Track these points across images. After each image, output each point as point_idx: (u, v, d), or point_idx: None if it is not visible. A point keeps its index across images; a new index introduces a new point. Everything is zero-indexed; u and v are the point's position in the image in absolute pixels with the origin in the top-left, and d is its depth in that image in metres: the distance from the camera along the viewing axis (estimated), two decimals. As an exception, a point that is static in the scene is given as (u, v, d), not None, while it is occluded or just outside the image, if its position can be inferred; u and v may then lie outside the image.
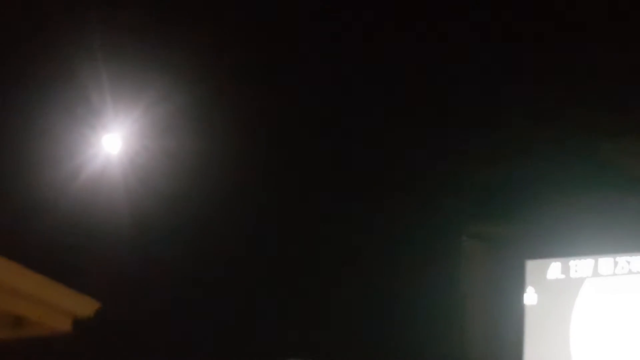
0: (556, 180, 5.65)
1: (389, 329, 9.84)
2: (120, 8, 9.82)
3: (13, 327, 8.10)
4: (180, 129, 12.84)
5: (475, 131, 7.72)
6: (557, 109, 6.61)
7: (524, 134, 6.78)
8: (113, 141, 11.11)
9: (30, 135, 11.25)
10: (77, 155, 11.21)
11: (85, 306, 7.97)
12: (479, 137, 7.53)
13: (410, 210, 8.90)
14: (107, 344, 10.96)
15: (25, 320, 8.01)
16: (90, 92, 10.92)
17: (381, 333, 10.47)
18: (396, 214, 9.24)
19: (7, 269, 7.21)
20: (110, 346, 11.22)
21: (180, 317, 13.37)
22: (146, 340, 12.08)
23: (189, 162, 13.51)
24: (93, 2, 9.59)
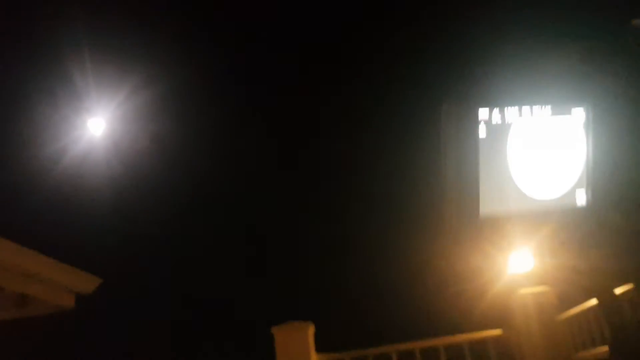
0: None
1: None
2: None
3: (18, 306, 8.38)
4: (162, 113, 13.14)
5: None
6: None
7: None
8: (97, 124, 11.35)
9: (16, 118, 11.39)
10: (62, 137, 11.42)
11: (86, 282, 8.30)
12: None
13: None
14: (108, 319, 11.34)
15: (29, 298, 8.30)
16: (75, 76, 11.11)
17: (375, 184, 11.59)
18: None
19: (9, 249, 7.49)
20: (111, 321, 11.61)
21: (168, 291, 13.84)
22: (143, 315, 12.51)
23: (170, 145, 13.84)
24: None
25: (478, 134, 2.29)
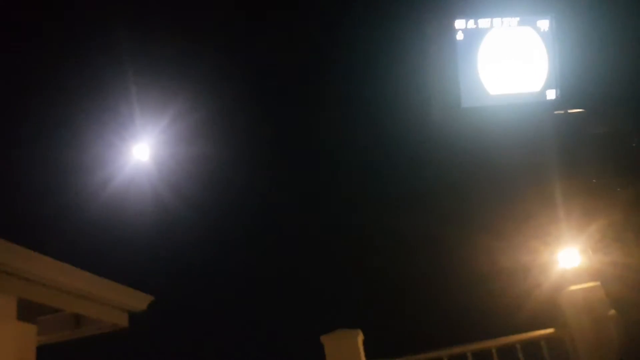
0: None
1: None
2: (148, 22, 10.38)
3: (73, 327, 8.63)
4: (205, 137, 13.43)
5: None
6: None
7: None
8: (142, 150, 11.70)
9: (65, 146, 11.82)
10: (109, 163, 11.80)
11: (139, 301, 8.50)
12: None
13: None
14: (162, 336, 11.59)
15: (84, 319, 8.54)
16: (120, 104, 11.50)
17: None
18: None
19: (62, 270, 7.74)
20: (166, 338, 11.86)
21: (218, 306, 14.06)
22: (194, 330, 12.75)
23: (213, 168, 14.12)
24: (122, 16, 10.15)
25: (456, 38, 2.73)
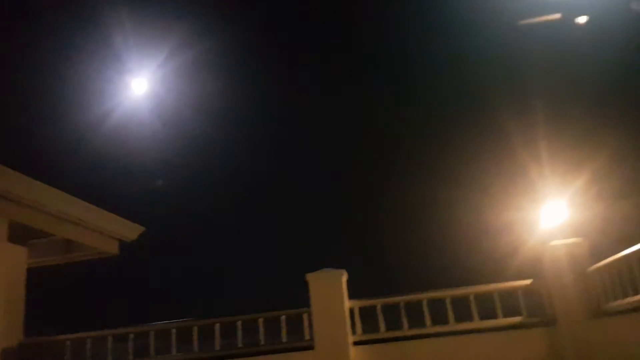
0: None
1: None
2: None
3: (65, 252, 8.93)
4: (202, 73, 13.43)
5: None
6: None
7: None
8: (140, 84, 11.73)
9: (61, 81, 11.89)
10: (107, 97, 11.87)
11: (131, 230, 8.76)
12: None
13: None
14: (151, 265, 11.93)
15: (75, 244, 8.82)
16: (116, 38, 11.48)
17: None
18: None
19: (57, 197, 7.97)
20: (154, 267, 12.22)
21: (210, 240, 14.38)
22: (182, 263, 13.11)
23: (211, 104, 14.17)
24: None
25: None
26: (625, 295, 7.67)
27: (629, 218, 7.36)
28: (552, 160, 8.96)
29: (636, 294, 7.33)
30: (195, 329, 9.08)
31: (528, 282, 8.97)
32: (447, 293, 9.02)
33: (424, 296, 9.05)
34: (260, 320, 9.09)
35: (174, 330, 9.03)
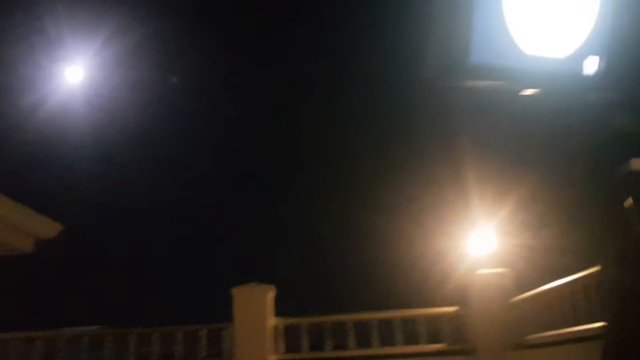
0: None
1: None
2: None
3: (-24, 247, 8.28)
4: (140, 60, 12.91)
5: None
6: None
7: None
8: (75, 72, 11.19)
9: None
10: (40, 86, 11.24)
11: (48, 228, 8.22)
12: None
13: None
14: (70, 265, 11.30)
15: (-13, 239, 8.21)
16: (48, 23, 10.86)
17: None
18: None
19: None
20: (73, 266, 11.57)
21: (141, 240, 13.76)
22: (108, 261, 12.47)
23: (149, 91, 13.65)
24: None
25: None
26: (546, 329, 7.79)
27: (551, 248, 7.44)
28: (480, 189, 9.06)
29: (556, 328, 7.45)
30: (110, 337, 8.67)
31: (454, 309, 9.01)
32: (374, 316, 8.96)
33: (350, 317, 8.96)
34: (180, 334, 8.77)
35: (86, 338, 8.59)
